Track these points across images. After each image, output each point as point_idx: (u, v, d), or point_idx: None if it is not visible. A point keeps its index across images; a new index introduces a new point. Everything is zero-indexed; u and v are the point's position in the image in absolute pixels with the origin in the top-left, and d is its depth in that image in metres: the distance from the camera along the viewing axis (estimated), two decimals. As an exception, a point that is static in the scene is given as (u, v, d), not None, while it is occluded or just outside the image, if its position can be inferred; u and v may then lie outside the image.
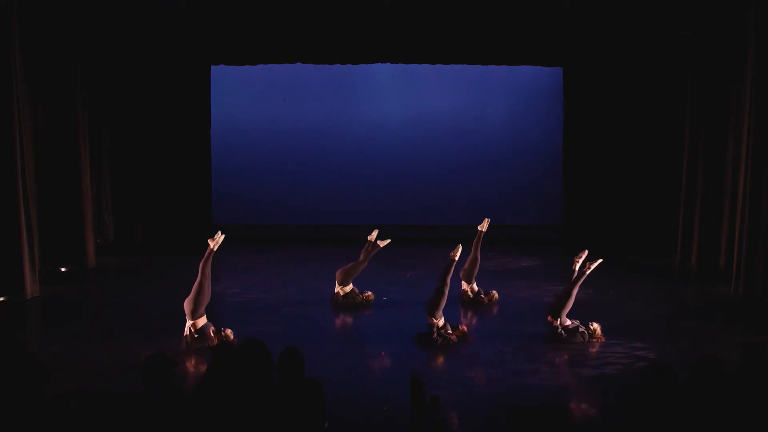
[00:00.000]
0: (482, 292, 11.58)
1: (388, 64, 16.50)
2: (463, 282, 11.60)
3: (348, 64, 16.30)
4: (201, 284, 9.37)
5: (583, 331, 9.53)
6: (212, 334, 9.26)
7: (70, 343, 9.37)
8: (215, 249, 9.65)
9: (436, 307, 9.55)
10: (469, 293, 11.51)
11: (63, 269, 13.54)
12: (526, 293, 12.18)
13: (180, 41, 15.46)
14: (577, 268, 9.92)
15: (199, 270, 9.42)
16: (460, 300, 11.45)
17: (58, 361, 8.28)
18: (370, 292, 11.52)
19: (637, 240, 15.82)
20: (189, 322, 9.32)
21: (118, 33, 14.83)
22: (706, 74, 13.44)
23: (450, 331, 9.50)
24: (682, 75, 14.35)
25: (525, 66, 16.57)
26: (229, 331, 9.33)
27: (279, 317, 10.84)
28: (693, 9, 13.41)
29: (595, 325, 9.65)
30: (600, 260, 10.02)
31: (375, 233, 11.83)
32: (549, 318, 9.66)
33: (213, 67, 16.60)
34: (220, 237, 9.74)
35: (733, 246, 12.38)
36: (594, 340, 9.51)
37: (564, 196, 16.94)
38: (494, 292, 11.61)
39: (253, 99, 17.42)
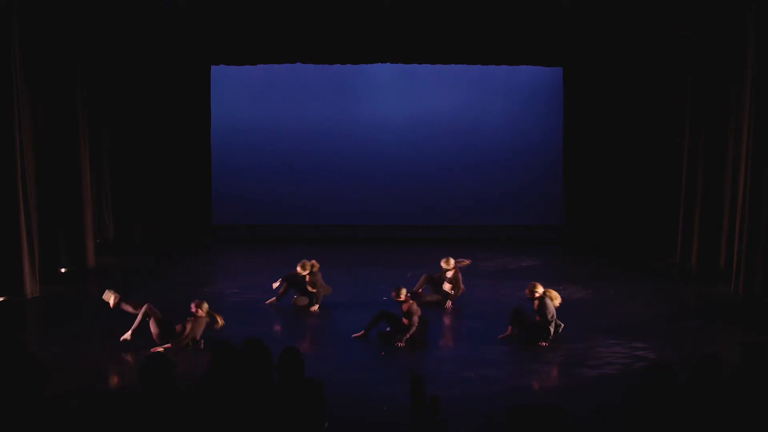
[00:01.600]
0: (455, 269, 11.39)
1: (388, 64, 16.51)
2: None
3: (348, 64, 16.32)
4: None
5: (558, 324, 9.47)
6: (198, 314, 9.05)
7: (70, 343, 9.36)
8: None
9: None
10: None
11: (63, 269, 13.53)
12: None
13: (180, 41, 15.47)
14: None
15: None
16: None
17: (58, 361, 8.27)
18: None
19: (637, 240, 15.83)
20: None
21: (118, 33, 14.84)
22: (706, 74, 13.45)
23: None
24: (682, 75, 14.36)
25: (525, 66, 16.58)
26: (204, 306, 9.13)
27: (279, 317, 10.84)
28: (693, 9, 13.41)
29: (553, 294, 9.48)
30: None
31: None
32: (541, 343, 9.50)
33: (213, 67, 16.63)
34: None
35: (733, 246, 12.37)
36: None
37: (564, 196, 16.97)
38: (463, 259, 11.54)
39: (253, 99, 17.41)
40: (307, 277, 11.08)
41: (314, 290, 11.09)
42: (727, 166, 13.19)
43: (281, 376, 5.26)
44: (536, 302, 9.45)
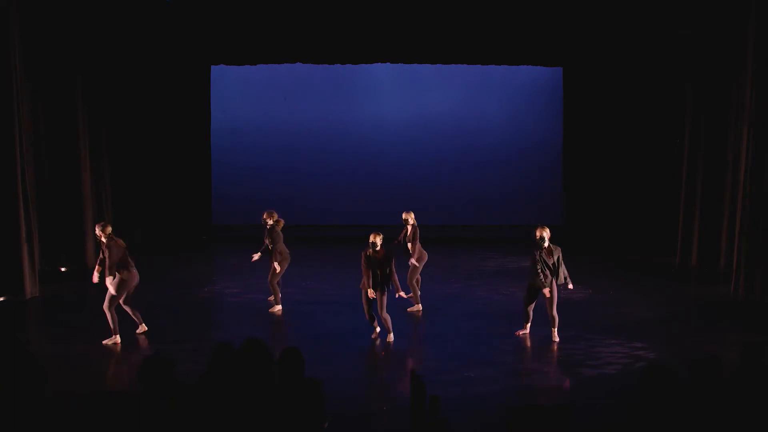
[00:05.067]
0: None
1: (389, 64, 16.51)
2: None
3: (348, 64, 16.32)
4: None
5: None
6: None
7: (70, 343, 9.37)
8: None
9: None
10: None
11: (63, 269, 13.54)
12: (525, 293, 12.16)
13: (180, 41, 15.47)
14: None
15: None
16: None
17: (58, 361, 8.28)
18: None
19: (637, 240, 15.83)
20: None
21: (118, 33, 14.83)
22: (706, 74, 13.44)
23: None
24: (682, 75, 14.35)
25: (525, 66, 16.58)
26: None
27: (279, 317, 10.84)
28: (693, 9, 13.41)
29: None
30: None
31: None
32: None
33: (213, 67, 16.63)
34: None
35: (733, 246, 12.37)
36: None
37: (564, 196, 16.96)
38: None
39: (253, 99, 17.41)
40: (268, 224, 11.12)
41: (271, 245, 11.03)
42: (727, 166, 13.18)
43: (281, 375, 5.26)
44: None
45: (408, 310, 11.13)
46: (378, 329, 9.76)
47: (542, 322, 10.00)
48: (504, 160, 17.40)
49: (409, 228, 11.01)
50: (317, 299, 11.68)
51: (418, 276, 11.15)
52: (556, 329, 9.54)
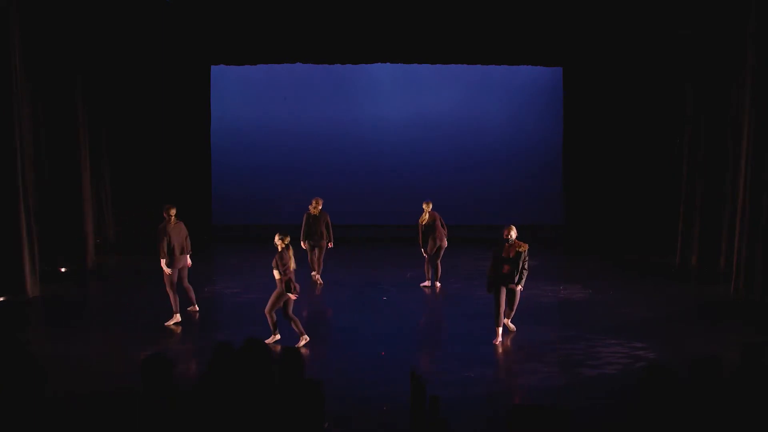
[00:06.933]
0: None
1: (388, 64, 16.51)
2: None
3: (348, 64, 16.32)
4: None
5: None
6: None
7: (70, 343, 9.37)
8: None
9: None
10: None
11: (63, 269, 13.54)
12: (526, 293, 12.14)
13: (180, 41, 15.47)
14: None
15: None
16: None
17: (58, 361, 8.28)
18: None
19: (638, 240, 15.83)
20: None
21: (118, 33, 14.84)
22: (706, 74, 13.44)
23: None
24: (682, 75, 14.36)
25: (525, 66, 16.58)
26: None
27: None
28: (693, 9, 13.41)
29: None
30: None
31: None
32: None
33: (213, 67, 16.62)
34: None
35: (733, 246, 12.37)
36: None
37: (564, 196, 16.96)
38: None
39: (253, 99, 17.41)
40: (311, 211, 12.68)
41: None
42: (727, 166, 13.18)
43: (281, 376, 5.26)
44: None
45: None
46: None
47: (541, 322, 9.99)
48: (504, 160, 17.39)
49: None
50: (317, 299, 11.68)
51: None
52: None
